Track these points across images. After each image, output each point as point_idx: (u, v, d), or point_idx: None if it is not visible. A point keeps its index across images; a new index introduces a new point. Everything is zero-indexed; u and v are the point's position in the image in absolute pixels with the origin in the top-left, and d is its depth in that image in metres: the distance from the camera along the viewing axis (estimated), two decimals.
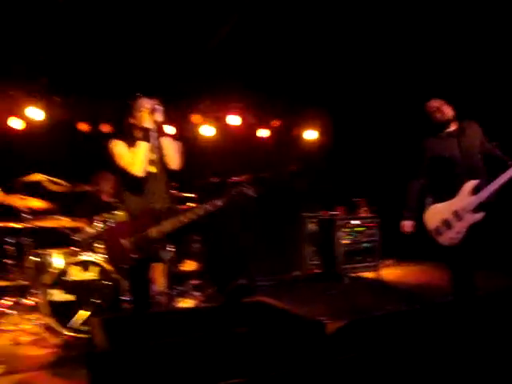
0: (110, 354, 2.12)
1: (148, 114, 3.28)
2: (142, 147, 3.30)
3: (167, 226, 3.32)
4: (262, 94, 7.19)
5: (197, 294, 5.38)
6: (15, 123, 6.51)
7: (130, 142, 3.36)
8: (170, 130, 6.68)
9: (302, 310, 2.71)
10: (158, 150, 3.34)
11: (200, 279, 5.58)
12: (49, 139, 6.56)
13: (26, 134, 6.54)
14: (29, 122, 6.54)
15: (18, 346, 4.00)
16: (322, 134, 8.04)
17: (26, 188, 4.84)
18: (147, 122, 3.28)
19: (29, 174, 4.91)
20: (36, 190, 4.86)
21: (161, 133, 3.38)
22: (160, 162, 3.41)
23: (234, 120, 7.37)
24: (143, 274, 3.37)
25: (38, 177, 4.94)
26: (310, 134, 8.02)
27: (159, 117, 3.30)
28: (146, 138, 3.28)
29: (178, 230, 3.34)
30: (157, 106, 3.27)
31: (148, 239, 3.29)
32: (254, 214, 6.48)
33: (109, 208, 4.54)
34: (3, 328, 4.38)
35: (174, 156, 3.43)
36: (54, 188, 5.07)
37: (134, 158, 3.30)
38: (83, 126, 6.83)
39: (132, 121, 3.42)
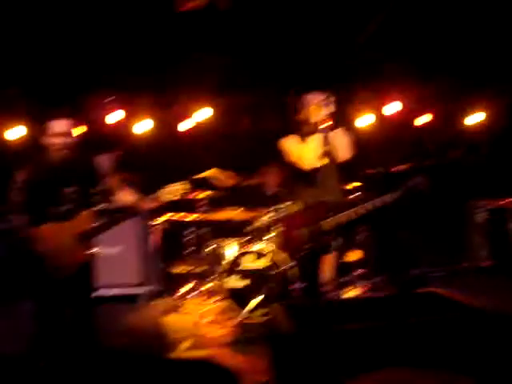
0: (294, 337, 2.28)
1: (317, 107, 3.35)
2: (312, 142, 3.41)
3: (341, 218, 3.36)
4: (421, 78, 6.90)
5: (362, 283, 5.42)
6: (186, 124, 7.13)
7: (300, 137, 3.49)
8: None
9: (478, 303, 2.61)
10: (330, 142, 3.39)
11: (365, 269, 5.59)
12: (216, 136, 7.09)
13: (195, 133, 7.14)
14: (197, 122, 7.11)
15: (200, 325, 4.42)
16: (489, 117, 7.47)
17: (201, 183, 5.31)
18: (316, 115, 3.36)
19: (203, 170, 5.38)
20: (210, 185, 5.31)
21: (331, 125, 3.41)
22: (331, 154, 3.47)
23: (393, 107, 7.19)
24: (314, 263, 3.49)
25: (211, 172, 5.38)
26: (476, 118, 7.47)
27: (329, 109, 3.34)
28: (316, 132, 3.37)
29: (350, 222, 3.39)
30: (327, 99, 3.32)
31: (321, 231, 3.39)
32: (425, 206, 6.25)
33: (276, 200, 4.79)
34: (186, 310, 4.90)
35: (344, 148, 3.47)
36: (225, 182, 5.47)
37: (304, 153, 3.41)
38: (246, 123, 7.23)
39: (300, 116, 3.54)
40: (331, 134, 3.42)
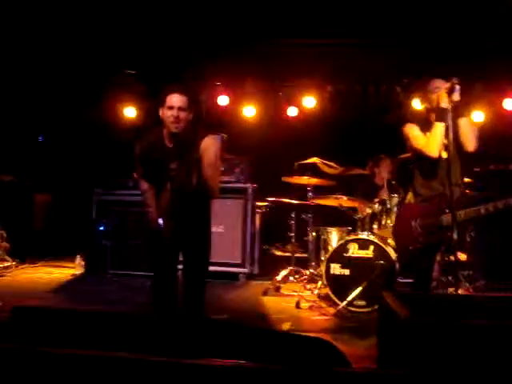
0: (409, 327, 2.21)
1: (445, 93, 3.22)
2: (439, 128, 3.27)
3: (461, 215, 3.19)
4: None
5: (467, 284, 5.18)
6: (292, 111, 7.17)
7: (424, 125, 3.38)
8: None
9: None
10: (454, 131, 3.26)
11: (470, 270, 5.34)
12: (322, 125, 7.07)
13: (301, 121, 7.16)
14: (303, 109, 7.13)
15: (299, 309, 4.44)
16: None
17: (304, 170, 5.32)
18: (444, 102, 3.21)
19: (307, 157, 5.38)
20: (313, 172, 5.30)
21: (458, 113, 3.28)
22: (454, 146, 3.32)
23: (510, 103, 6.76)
24: (428, 258, 3.38)
25: (314, 160, 5.37)
26: None
27: (457, 96, 3.21)
28: (443, 119, 3.23)
29: (469, 220, 3.23)
30: (456, 86, 3.19)
31: (439, 226, 3.26)
32: None
33: (385, 190, 4.68)
34: (287, 293, 4.95)
35: (470, 137, 3.32)
36: (328, 170, 5.44)
37: (430, 140, 3.30)
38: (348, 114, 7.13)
39: (425, 103, 3.43)
40: (458, 123, 3.27)
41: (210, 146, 3.04)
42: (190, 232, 3.16)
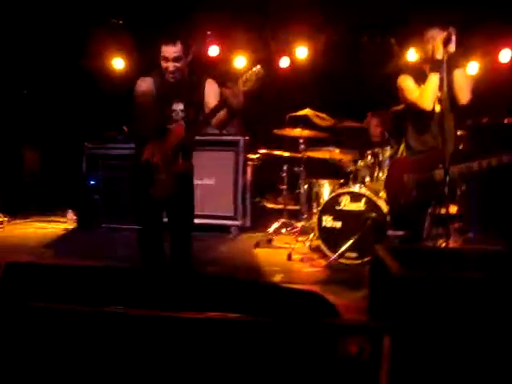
0: (400, 280, 2.23)
1: (440, 43, 3.14)
2: (433, 80, 3.19)
3: (454, 170, 3.17)
4: None
5: (455, 237, 5.24)
6: (284, 62, 7.02)
7: (418, 77, 3.31)
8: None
9: None
10: (448, 84, 3.20)
11: (461, 223, 5.39)
12: (314, 76, 6.95)
13: (293, 72, 7.02)
14: (295, 60, 6.99)
15: (291, 261, 4.49)
16: None
17: (296, 122, 5.27)
18: (439, 52, 3.13)
19: (299, 108, 5.32)
20: (305, 124, 5.24)
21: (453, 64, 3.22)
22: (448, 98, 3.28)
23: (506, 55, 6.65)
24: (420, 213, 3.39)
25: (306, 111, 5.31)
26: None
27: (453, 47, 3.11)
28: (437, 70, 3.15)
29: (462, 175, 3.22)
30: (452, 36, 3.10)
31: (431, 181, 3.25)
32: None
33: (379, 144, 4.65)
34: (279, 245, 4.99)
35: (465, 89, 3.25)
36: (320, 122, 5.39)
37: (424, 92, 3.24)
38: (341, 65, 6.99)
39: (420, 54, 3.36)
40: (453, 75, 3.21)
41: (214, 89, 3.10)
42: (180, 182, 3.11)
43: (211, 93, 3.13)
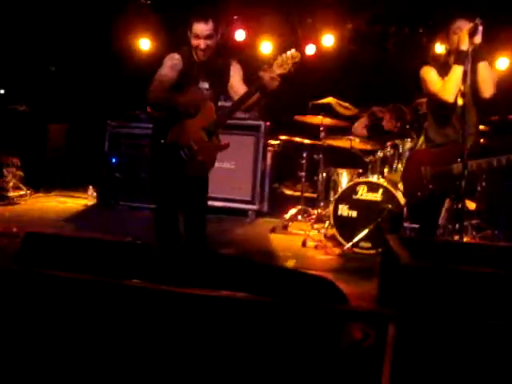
0: (410, 270, 2.24)
1: (466, 34, 3.08)
2: (457, 71, 3.12)
3: (473, 165, 3.12)
4: None
5: (473, 233, 5.20)
6: (310, 49, 6.99)
7: (443, 69, 3.27)
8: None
9: None
10: (472, 76, 3.14)
11: (479, 219, 5.34)
12: (340, 65, 6.90)
13: (319, 59, 6.98)
14: (321, 48, 6.94)
15: (305, 248, 4.52)
16: None
17: (318, 110, 5.25)
18: (464, 44, 3.06)
19: (322, 96, 5.30)
20: (327, 112, 5.23)
21: (478, 57, 3.14)
22: (471, 92, 3.22)
23: None
24: (436, 206, 3.37)
25: (329, 100, 5.29)
26: None
27: (479, 38, 3.03)
28: (462, 62, 3.09)
29: (482, 171, 3.18)
30: (479, 27, 3.03)
31: (449, 174, 3.22)
32: None
33: (399, 135, 4.63)
34: (294, 231, 5.02)
35: (488, 83, 3.18)
36: (343, 111, 5.37)
37: (446, 83, 3.18)
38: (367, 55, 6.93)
39: (446, 45, 3.31)
40: (478, 67, 3.15)
41: (239, 71, 3.12)
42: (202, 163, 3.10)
43: (236, 75, 3.13)
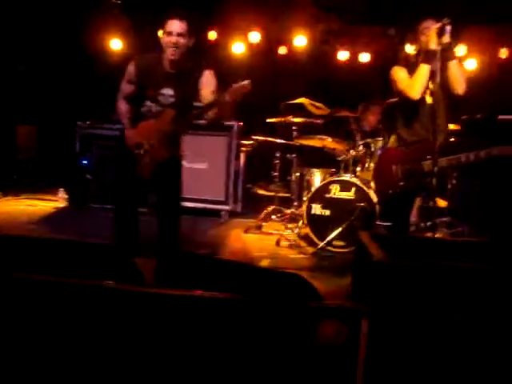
0: (383, 266, 2.26)
1: (435, 34, 3.14)
2: (423, 70, 3.20)
3: (443, 162, 3.19)
4: None
5: (445, 230, 5.28)
6: (282, 50, 7.01)
7: (412, 69, 3.32)
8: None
9: None
10: (442, 75, 3.19)
11: (450, 217, 5.43)
12: (311, 65, 6.95)
13: (290, 60, 7.01)
14: (293, 49, 6.98)
15: (279, 247, 4.52)
16: None
17: (291, 109, 5.26)
18: (433, 43, 3.13)
19: (294, 96, 5.31)
20: (300, 112, 5.25)
21: (448, 56, 3.22)
22: (441, 90, 3.28)
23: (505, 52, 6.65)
24: (407, 203, 3.41)
25: (302, 100, 5.30)
26: None
27: (447, 38, 3.12)
28: (429, 61, 3.16)
29: (452, 168, 3.24)
30: (447, 26, 3.10)
31: (420, 171, 3.26)
32: None
33: (371, 134, 4.67)
34: (268, 231, 5.03)
35: (460, 80, 3.25)
36: (316, 111, 5.38)
37: (413, 81, 3.24)
38: (343, 55, 6.99)
39: (414, 45, 3.36)
40: (448, 65, 3.21)
41: (211, 80, 3.13)
42: (168, 165, 3.16)
43: (208, 86, 3.13)
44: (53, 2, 6.54)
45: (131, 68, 3.15)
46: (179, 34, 2.99)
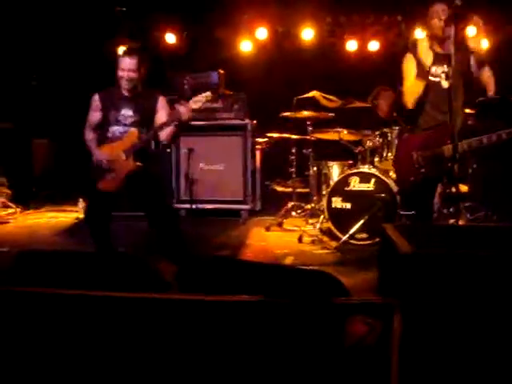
0: (411, 258, 2.22)
1: (446, 19, 3.08)
2: (417, 86, 3.26)
3: (464, 145, 3.15)
4: None
5: (468, 215, 5.19)
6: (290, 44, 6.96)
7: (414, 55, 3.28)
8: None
9: None
10: (459, 60, 3.13)
11: (472, 202, 5.34)
12: (321, 58, 6.89)
13: (299, 54, 6.96)
14: (301, 42, 6.93)
15: (301, 244, 4.49)
16: None
17: (303, 104, 5.22)
18: (440, 29, 3.09)
19: (306, 91, 5.27)
20: (312, 106, 5.20)
21: (459, 42, 3.16)
22: (457, 74, 3.22)
23: None
24: (429, 190, 3.36)
25: (313, 93, 5.25)
26: None
27: (459, 23, 3.06)
28: (424, 77, 3.21)
29: (472, 151, 3.19)
30: (458, 11, 3.03)
31: (440, 157, 3.21)
32: None
33: (387, 123, 4.60)
34: (289, 228, 5.00)
35: (492, 84, 3.25)
36: (328, 104, 5.33)
37: (408, 94, 3.28)
38: (352, 45, 6.92)
39: (426, 31, 3.31)
40: (481, 71, 3.18)
41: (165, 105, 3.58)
42: (138, 175, 3.45)
43: (163, 111, 3.55)
44: (65, 14, 6.58)
45: (95, 98, 3.61)
46: (130, 70, 3.42)
